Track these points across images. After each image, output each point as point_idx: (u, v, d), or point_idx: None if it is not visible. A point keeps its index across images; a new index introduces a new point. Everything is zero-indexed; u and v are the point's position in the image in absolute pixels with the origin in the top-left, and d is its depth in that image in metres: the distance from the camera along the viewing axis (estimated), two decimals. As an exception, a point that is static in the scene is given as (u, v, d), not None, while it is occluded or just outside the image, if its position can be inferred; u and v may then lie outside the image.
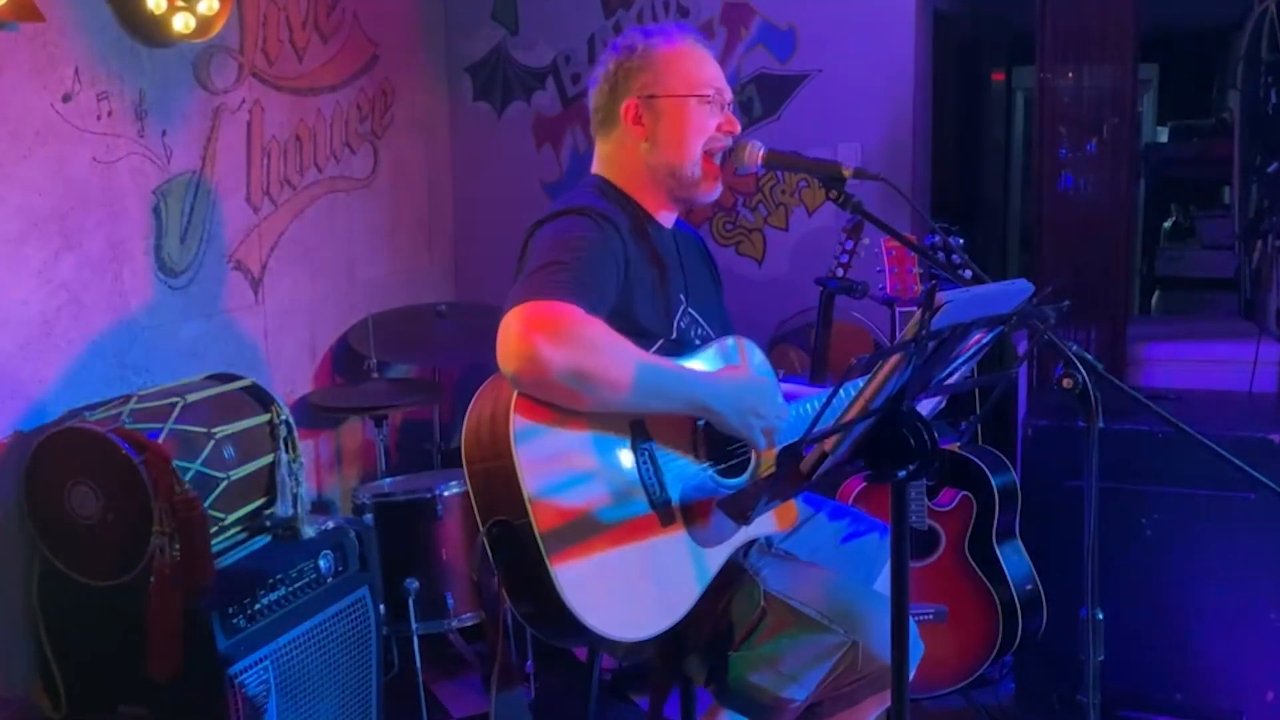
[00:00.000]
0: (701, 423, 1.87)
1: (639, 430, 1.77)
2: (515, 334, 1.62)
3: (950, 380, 1.59)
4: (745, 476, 1.91)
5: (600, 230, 1.81)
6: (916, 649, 1.97)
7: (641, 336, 1.86)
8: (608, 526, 1.70)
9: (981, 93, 5.79)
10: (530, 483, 1.62)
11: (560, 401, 1.66)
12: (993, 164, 5.97)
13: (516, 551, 1.63)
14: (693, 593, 1.79)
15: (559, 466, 1.67)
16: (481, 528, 1.67)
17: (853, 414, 1.41)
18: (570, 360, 1.61)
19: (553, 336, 1.61)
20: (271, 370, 3.33)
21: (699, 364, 1.92)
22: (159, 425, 2.43)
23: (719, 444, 1.89)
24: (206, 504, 2.39)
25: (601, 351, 1.65)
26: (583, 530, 1.66)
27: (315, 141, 3.50)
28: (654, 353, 1.87)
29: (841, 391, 1.61)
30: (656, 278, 1.93)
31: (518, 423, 1.64)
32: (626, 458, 1.75)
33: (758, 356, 2.06)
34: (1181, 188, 5.78)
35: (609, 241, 1.81)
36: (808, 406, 2.03)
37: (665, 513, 1.77)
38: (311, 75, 3.47)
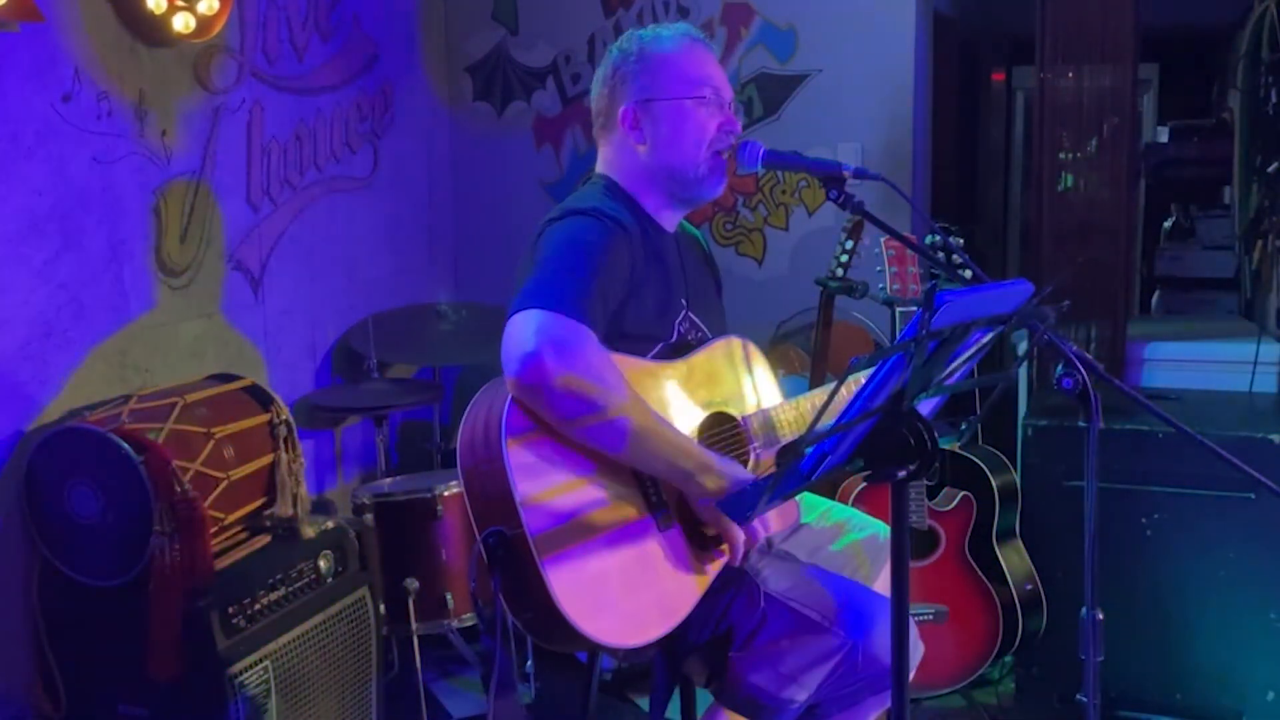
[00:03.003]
0: (701, 421, 1.87)
1: None
2: (523, 340, 1.62)
3: (950, 380, 1.59)
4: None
5: (610, 234, 1.81)
6: (916, 650, 1.97)
7: (640, 339, 1.86)
8: (603, 531, 1.69)
9: (981, 93, 5.79)
10: (522, 486, 1.62)
11: (552, 416, 1.66)
12: (993, 164, 5.97)
13: (512, 561, 1.63)
14: (692, 597, 1.78)
15: (551, 470, 1.67)
16: (478, 536, 1.67)
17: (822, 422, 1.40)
18: (574, 380, 1.61)
19: (562, 352, 1.61)
20: (271, 370, 3.33)
21: (696, 364, 1.92)
22: (159, 425, 2.43)
23: (715, 448, 1.88)
24: (206, 504, 2.39)
25: (606, 381, 1.65)
26: (577, 535, 1.66)
27: (315, 141, 3.50)
28: (652, 357, 1.87)
29: (843, 389, 1.61)
30: (658, 281, 1.93)
31: (511, 427, 1.64)
32: (621, 462, 1.75)
33: (758, 358, 2.06)
34: (1181, 188, 5.77)
35: (617, 246, 1.81)
36: (805, 403, 2.03)
37: (662, 517, 1.77)
38: (311, 75, 3.47)
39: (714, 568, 1.82)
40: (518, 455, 1.63)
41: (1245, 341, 3.12)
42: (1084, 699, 1.73)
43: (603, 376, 1.66)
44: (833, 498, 2.74)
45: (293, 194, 3.41)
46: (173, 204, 2.96)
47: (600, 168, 2.03)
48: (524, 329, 1.64)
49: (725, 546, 1.81)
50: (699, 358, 1.94)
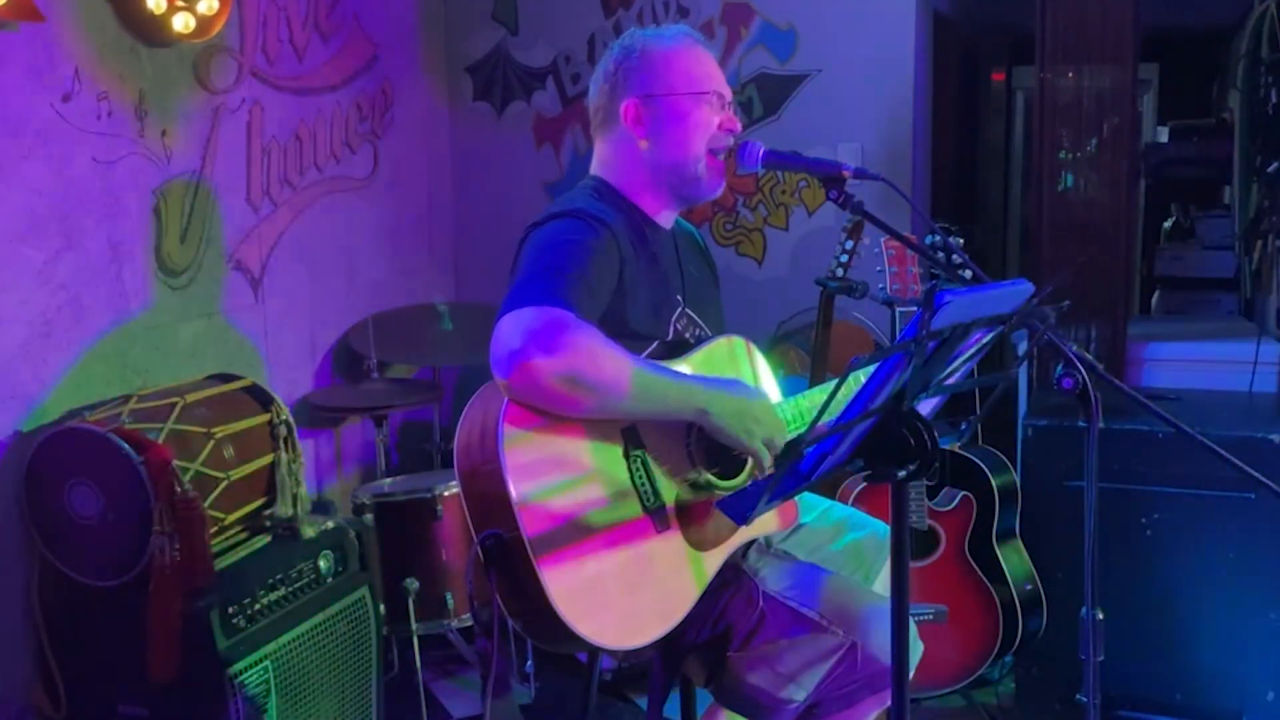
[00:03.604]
0: (697, 428, 1.87)
1: (631, 437, 1.77)
2: (508, 341, 1.62)
3: (950, 380, 1.59)
4: (743, 477, 1.91)
5: (595, 233, 1.81)
6: (916, 650, 1.97)
7: (636, 339, 1.86)
8: (600, 532, 1.69)
9: (981, 93, 5.79)
10: (518, 487, 1.62)
11: (554, 408, 1.65)
12: (993, 164, 5.97)
13: (510, 564, 1.63)
14: (690, 598, 1.78)
15: (548, 471, 1.66)
16: (475, 539, 1.67)
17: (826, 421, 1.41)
18: (564, 366, 1.61)
19: (546, 343, 1.60)
20: (271, 370, 3.33)
21: (695, 365, 1.92)
22: (159, 425, 2.43)
23: (715, 449, 1.88)
24: (206, 504, 2.39)
25: (596, 357, 1.64)
26: (574, 536, 1.66)
27: (315, 141, 3.50)
28: (649, 356, 1.87)
29: (843, 389, 1.61)
30: (653, 279, 1.93)
31: (507, 429, 1.63)
32: (618, 464, 1.74)
33: (758, 357, 2.06)
34: (1181, 188, 5.78)
35: (603, 245, 1.81)
36: (804, 402, 2.03)
37: (660, 517, 1.77)
38: (311, 75, 3.47)
39: (712, 569, 1.82)
40: (514, 457, 1.63)
41: (1245, 341, 3.12)
42: (1084, 699, 1.73)
43: (592, 352, 1.64)
44: (833, 498, 2.74)
45: (293, 194, 3.42)
46: (173, 204, 2.96)
47: (594, 168, 2.03)
48: (509, 331, 1.63)
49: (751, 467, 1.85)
50: (698, 356, 1.94)
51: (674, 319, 1.96)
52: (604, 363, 1.65)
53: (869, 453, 1.45)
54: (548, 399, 1.64)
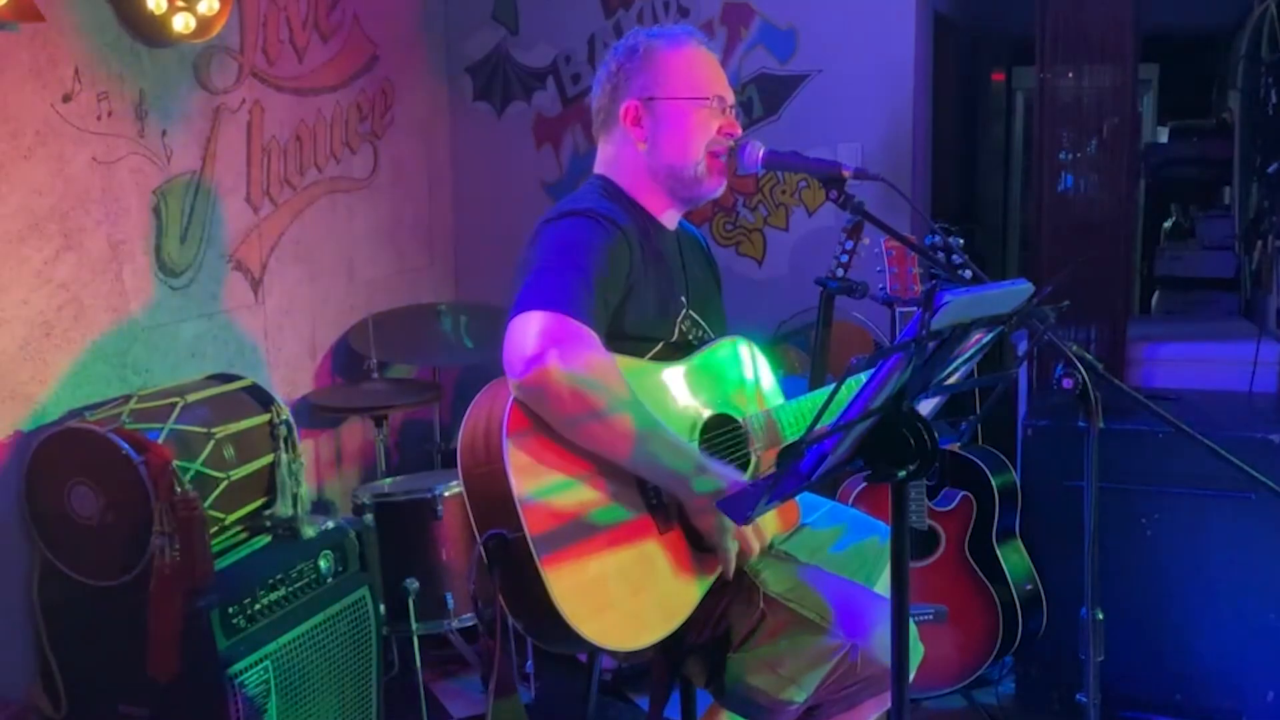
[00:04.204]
0: (702, 422, 1.87)
1: None
2: (523, 343, 1.62)
3: (950, 380, 1.59)
4: (745, 477, 1.90)
5: (607, 234, 1.81)
6: (916, 651, 1.97)
7: (641, 340, 1.86)
8: (603, 532, 1.69)
9: (981, 93, 5.79)
10: (522, 487, 1.62)
11: (550, 417, 1.66)
12: (993, 164, 5.98)
13: (512, 564, 1.63)
14: (692, 598, 1.78)
15: (551, 471, 1.67)
16: (478, 538, 1.67)
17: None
18: (576, 384, 1.61)
19: (566, 354, 1.61)
20: (271, 370, 3.33)
21: (697, 365, 1.92)
22: (159, 425, 2.43)
23: (717, 448, 1.88)
24: (206, 504, 2.39)
25: (609, 387, 1.65)
26: (577, 536, 1.66)
27: (315, 141, 3.50)
28: (652, 356, 1.87)
29: (843, 389, 1.61)
30: (659, 280, 1.93)
31: (511, 427, 1.64)
32: (621, 464, 1.74)
33: (760, 358, 2.06)
34: (1181, 188, 5.77)
35: (615, 246, 1.81)
36: (807, 404, 2.03)
37: (662, 517, 1.77)
38: (311, 75, 3.47)
39: (714, 569, 1.82)
40: (518, 456, 1.63)
41: (1245, 341, 3.12)
42: (1084, 699, 1.73)
43: (605, 378, 1.66)
44: (833, 498, 2.74)
45: (293, 194, 3.41)
46: (173, 204, 2.96)
47: (598, 167, 2.03)
48: (526, 331, 1.64)
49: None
50: (701, 358, 1.94)
51: (679, 320, 1.96)
52: (615, 394, 1.66)
53: (869, 453, 1.45)
54: (552, 408, 1.64)
